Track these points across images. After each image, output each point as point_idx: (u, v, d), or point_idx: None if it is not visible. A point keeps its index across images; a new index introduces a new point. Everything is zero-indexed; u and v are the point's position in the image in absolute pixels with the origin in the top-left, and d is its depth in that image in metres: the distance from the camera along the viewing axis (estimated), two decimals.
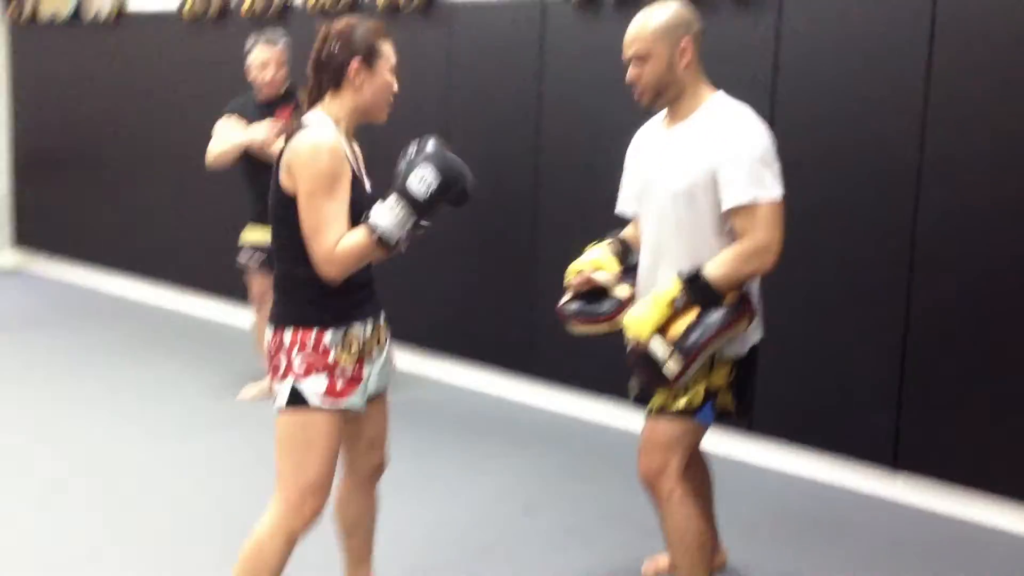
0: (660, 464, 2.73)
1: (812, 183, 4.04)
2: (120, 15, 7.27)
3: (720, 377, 2.74)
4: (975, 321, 3.76)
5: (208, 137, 4.91)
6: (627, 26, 2.82)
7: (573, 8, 4.74)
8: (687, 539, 2.72)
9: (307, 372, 2.47)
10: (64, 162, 8.06)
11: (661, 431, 2.75)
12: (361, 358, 2.55)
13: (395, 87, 2.59)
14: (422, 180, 2.39)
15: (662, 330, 2.61)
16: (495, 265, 5.23)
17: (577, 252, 3.14)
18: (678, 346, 2.59)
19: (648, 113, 2.97)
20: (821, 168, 4.05)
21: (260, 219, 4.68)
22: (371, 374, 2.59)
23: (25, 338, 6.21)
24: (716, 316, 2.61)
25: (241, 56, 5.12)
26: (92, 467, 4.11)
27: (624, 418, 4.55)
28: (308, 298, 2.49)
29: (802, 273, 4.12)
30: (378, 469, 2.82)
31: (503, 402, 5.11)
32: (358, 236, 2.40)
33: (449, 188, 2.41)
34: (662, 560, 3.21)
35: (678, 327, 2.61)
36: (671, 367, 2.59)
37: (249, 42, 4.85)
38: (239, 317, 6.59)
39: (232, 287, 6.59)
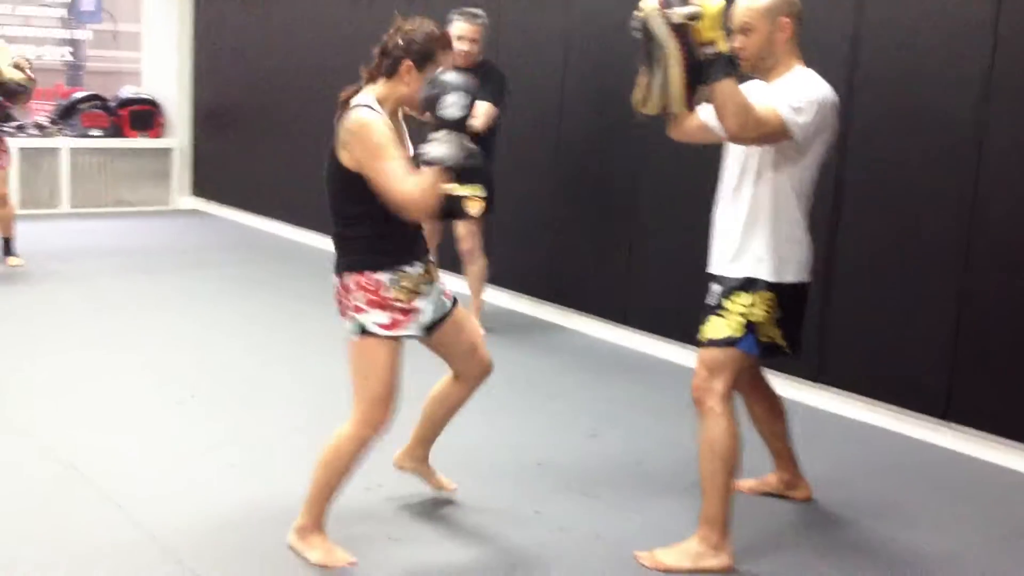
0: (706, 384, 3.10)
1: (878, 147, 4.28)
2: None
3: (759, 311, 3.06)
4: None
5: None
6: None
7: None
8: (716, 448, 3.05)
9: (369, 307, 2.95)
10: (236, 119, 8.87)
11: (708, 357, 3.12)
12: (415, 293, 2.99)
13: None
14: (453, 104, 2.79)
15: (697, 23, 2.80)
16: (595, 218, 5.63)
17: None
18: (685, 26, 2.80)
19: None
20: (889, 134, 4.28)
21: None
22: (426, 306, 3.03)
23: (193, 268, 7.03)
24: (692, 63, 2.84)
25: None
26: (236, 378, 4.76)
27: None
28: (363, 249, 2.97)
29: (865, 236, 4.38)
30: (486, 369, 3.27)
31: (591, 340, 5.53)
32: (425, 174, 2.82)
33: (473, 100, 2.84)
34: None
35: (695, 34, 2.81)
36: (678, 8, 2.80)
37: (451, 15, 5.34)
38: None
39: None
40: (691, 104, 2.95)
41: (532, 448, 3.99)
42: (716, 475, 3.07)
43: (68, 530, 3.16)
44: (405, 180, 2.83)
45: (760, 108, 2.90)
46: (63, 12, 11.07)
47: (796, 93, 2.97)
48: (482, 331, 5.58)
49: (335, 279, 3.06)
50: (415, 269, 3.02)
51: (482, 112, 5.16)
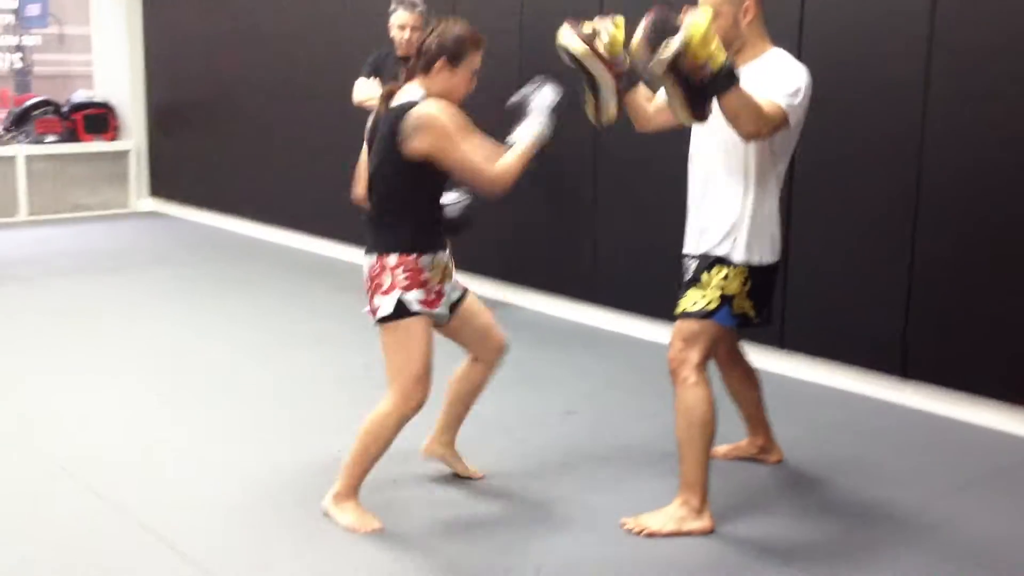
0: (682, 355, 3.23)
1: (829, 118, 4.44)
2: None
3: (735, 284, 3.20)
4: (977, 245, 4.12)
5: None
6: None
7: None
8: (692, 416, 3.19)
9: (409, 287, 3.13)
10: (192, 118, 8.87)
11: (684, 329, 3.26)
12: (443, 279, 3.24)
13: (470, 87, 3.21)
14: (550, 97, 3.23)
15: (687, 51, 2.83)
16: (557, 198, 5.75)
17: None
18: (675, 60, 2.82)
19: None
20: (838, 105, 4.44)
21: None
22: (450, 291, 3.30)
23: (156, 268, 7.06)
24: (693, 88, 2.90)
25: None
26: (209, 374, 4.83)
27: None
28: (410, 233, 3.16)
29: (818, 204, 4.54)
30: (501, 348, 3.48)
31: (560, 321, 5.67)
32: (512, 153, 3.13)
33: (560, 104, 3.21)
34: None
35: (687, 61, 2.82)
36: (662, 55, 2.80)
37: (392, 5, 5.47)
38: (350, 255, 7.29)
39: (343, 230, 7.29)
40: (703, 115, 2.96)
41: (511, 427, 4.11)
42: (693, 442, 3.21)
43: (63, 528, 3.23)
44: (485, 160, 3.09)
45: (766, 106, 2.99)
46: (10, 19, 10.97)
47: (788, 80, 3.08)
48: None
49: (372, 260, 3.20)
50: (442, 257, 3.25)
51: None
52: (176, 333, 5.47)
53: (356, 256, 7.02)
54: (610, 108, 3.27)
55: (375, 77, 5.55)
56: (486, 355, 3.48)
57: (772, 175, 3.21)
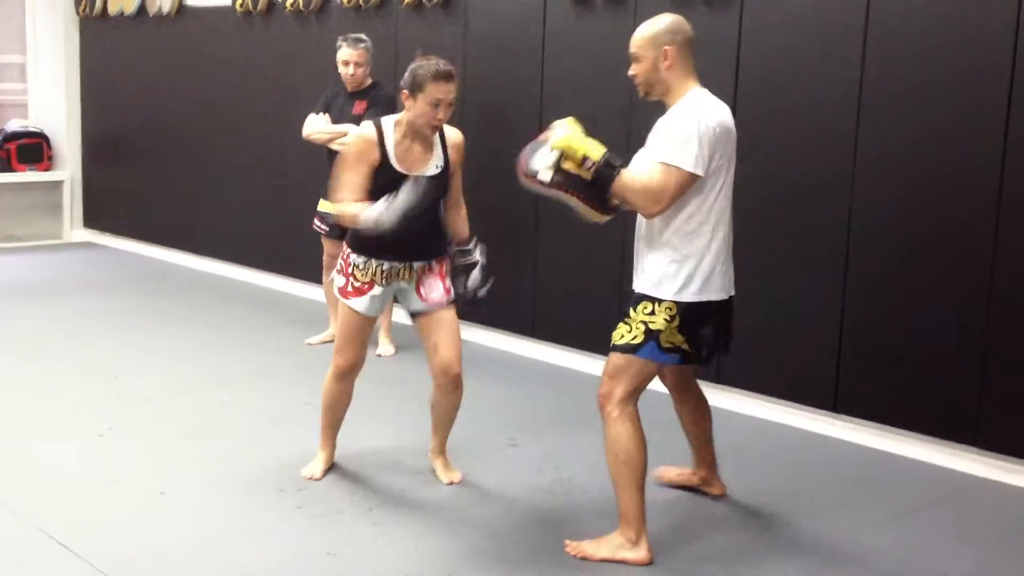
0: (607, 390, 3.30)
1: (762, 150, 4.60)
2: (180, 8, 7.98)
3: (660, 319, 3.25)
4: (906, 283, 4.28)
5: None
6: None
7: (571, 3, 5.32)
8: (618, 451, 3.26)
9: (339, 272, 3.78)
10: (127, 149, 8.81)
11: (611, 363, 3.33)
12: (372, 281, 3.68)
13: (434, 115, 3.52)
14: (392, 210, 3.46)
15: (565, 156, 3.15)
16: (502, 242, 5.83)
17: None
18: (556, 173, 3.17)
19: (640, 104, 3.54)
20: (772, 136, 4.59)
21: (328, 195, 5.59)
22: (379, 293, 3.70)
23: (92, 300, 6.98)
24: (588, 188, 3.19)
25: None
26: (145, 408, 4.80)
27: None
28: (351, 235, 3.73)
29: (753, 239, 4.68)
30: (445, 370, 3.75)
31: (504, 354, 5.73)
32: (344, 207, 3.62)
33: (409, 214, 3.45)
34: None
35: (570, 165, 3.16)
36: (543, 173, 3.17)
37: (338, 41, 5.60)
38: (286, 286, 7.29)
39: (282, 263, 7.30)
40: (611, 210, 3.29)
41: (453, 458, 4.15)
42: (621, 476, 3.27)
43: (3, 565, 3.20)
44: (343, 192, 3.67)
45: (653, 178, 3.13)
46: None
47: (676, 133, 3.16)
48: (392, 349, 5.79)
49: (432, 263, 3.73)
50: (383, 265, 3.71)
51: None
52: (112, 366, 5.41)
53: (295, 288, 7.11)
54: (593, 216, 3.32)
55: (325, 113, 5.68)
56: (434, 375, 3.80)
57: (699, 215, 3.23)
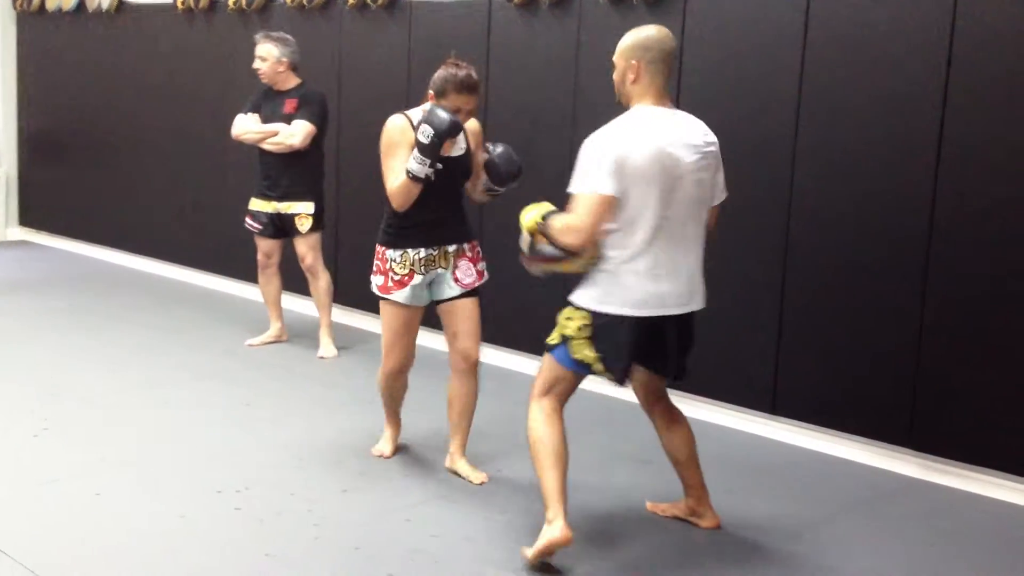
0: (532, 384, 3.43)
1: None
2: (120, 5, 7.87)
3: (573, 326, 3.29)
4: (840, 289, 4.36)
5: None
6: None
7: (515, 8, 5.33)
8: (531, 439, 3.33)
9: (376, 272, 3.91)
10: (65, 145, 8.66)
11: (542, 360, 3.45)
12: (412, 271, 3.81)
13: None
14: (423, 133, 3.59)
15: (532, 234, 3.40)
16: None
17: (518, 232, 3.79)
18: (531, 247, 3.43)
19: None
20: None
21: (264, 194, 5.72)
22: (420, 282, 3.84)
23: (27, 299, 6.85)
24: (547, 248, 3.35)
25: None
26: (85, 409, 4.72)
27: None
28: (384, 228, 3.89)
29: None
30: (465, 357, 3.91)
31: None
32: (399, 178, 3.71)
33: (442, 134, 3.59)
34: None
35: (540, 239, 3.37)
36: (528, 254, 3.46)
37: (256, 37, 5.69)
38: (225, 286, 7.22)
39: (222, 263, 7.22)
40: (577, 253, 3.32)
41: (397, 458, 4.15)
42: (536, 462, 3.32)
43: None
44: (390, 177, 3.81)
45: (573, 209, 3.21)
46: None
47: (581, 163, 3.20)
48: (334, 351, 5.77)
49: (464, 246, 3.90)
50: (419, 253, 3.86)
51: (300, 130, 5.52)
52: (48, 367, 5.32)
53: (234, 288, 7.04)
54: (576, 266, 3.34)
55: (254, 113, 5.69)
56: (453, 361, 3.96)
57: (623, 229, 3.19)
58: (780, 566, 3.38)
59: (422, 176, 3.64)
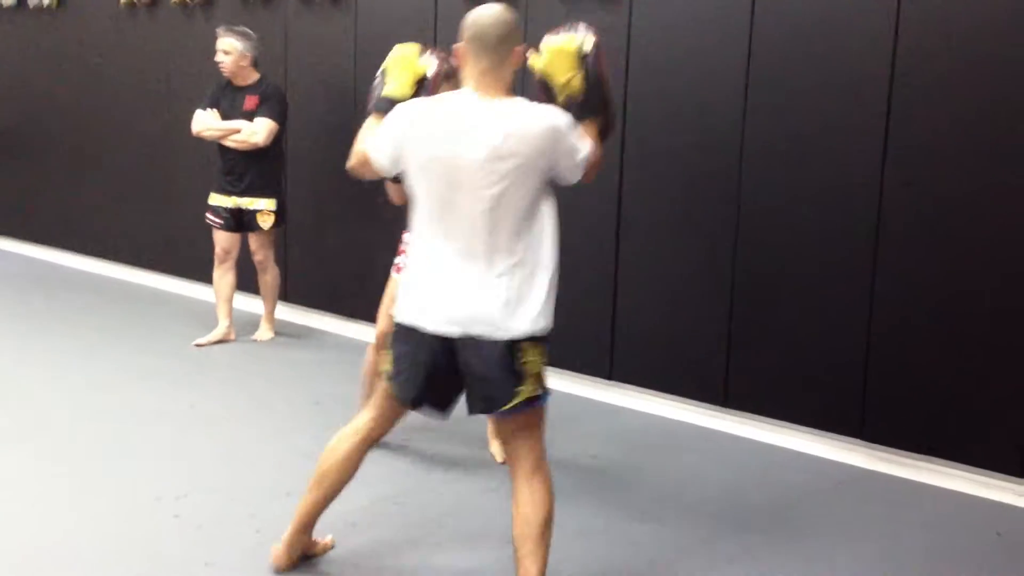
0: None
1: (659, 160, 4.61)
2: (62, 1, 7.69)
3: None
4: (788, 279, 4.33)
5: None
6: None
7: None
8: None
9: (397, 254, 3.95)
10: (17, 144, 8.46)
11: None
12: None
13: None
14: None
15: None
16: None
17: None
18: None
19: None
20: (668, 150, 4.62)
21: (225, 189, 5.72)
22: None
23: None
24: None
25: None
26: (23, 411, 4.59)
27: None
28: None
29: (648, 242, 4.70)
30: None
31: None
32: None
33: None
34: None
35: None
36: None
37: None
38: (172, 285, 7.09)
39: (169, 261, 7.09)
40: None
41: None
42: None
43: None
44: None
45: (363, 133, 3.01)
46: None
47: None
48: (270, 335, 5.77)
49: None
50: None
51: (263, 128, 5.53)
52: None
53: (182, 287, 6.91)
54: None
55: (213, 108, 5.67)
56: None
57: (414, 226, 2.89)
58: (728, 561, 3.35)
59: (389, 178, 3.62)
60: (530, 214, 2.76)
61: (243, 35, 5.62)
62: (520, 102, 2.77)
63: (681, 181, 4.62)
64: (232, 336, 5.86)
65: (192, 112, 5.72)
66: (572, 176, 2.85)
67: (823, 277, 4.25)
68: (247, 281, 5.99)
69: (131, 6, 7.09)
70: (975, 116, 3.85)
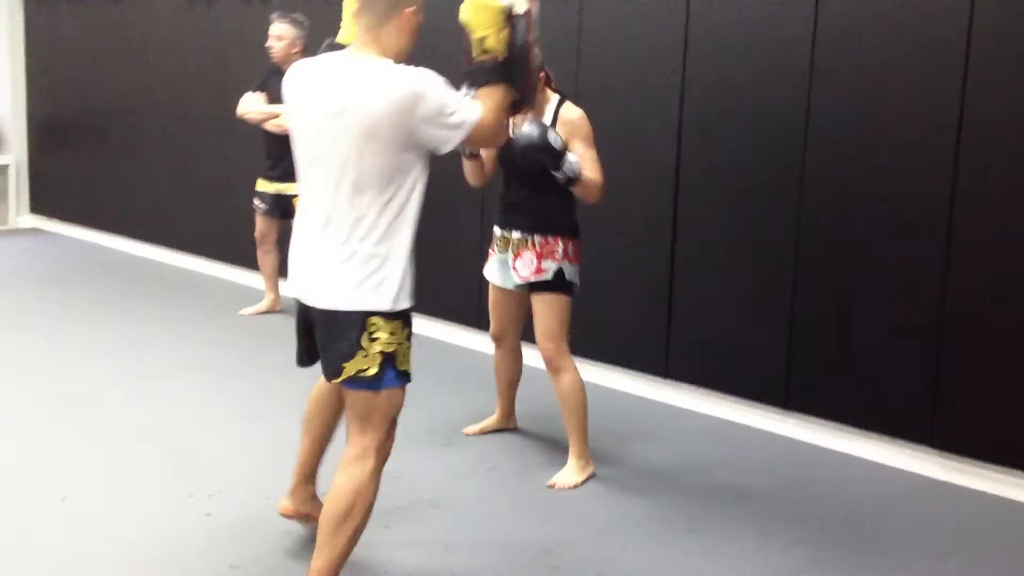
0: None
1: (721, 156, 4.40)
2: None
3: None
4: (853, 286, 4.08)
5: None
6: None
7: None
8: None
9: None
10: (73, 132, 8.53)
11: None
12: (494, 248, 3.86)
13: None
14: None
15: None
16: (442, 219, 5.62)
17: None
18: None
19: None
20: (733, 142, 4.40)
21: (267, 175, 5.81)
22: (494, 261, 3.88)
23: (28, 289, 6.73)
24: None
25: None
26: (65, 406, 4.54)
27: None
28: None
29: (706, 238, 4.49)
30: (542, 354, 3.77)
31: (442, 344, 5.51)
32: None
33: None
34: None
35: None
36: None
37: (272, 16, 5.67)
38: (227, 273, 7.06)
39: (228, 249, 7.05)
40: None
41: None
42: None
43: None
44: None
45: None
46: None
47: None
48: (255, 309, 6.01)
49: (533, 238, 3.71)
50: (499, 232, 3.87)
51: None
52: (36, 362, 5.15)
53: (241, 276, 6.85)
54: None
55: (261, 92, 5.70)
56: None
57: None
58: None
59: (464, 152, 3.65)
60: (384, 184, 2.56)
61: (295, 22, 5.58)
62: (380, 65, 2.57)
63: (741, 175, 4.39)
64: (278, 307, 6.06)
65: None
66: (444, 144, 2.61)
67: (890, 276, 3.99)
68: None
69: None
70: None
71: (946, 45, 3.77)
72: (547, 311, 3.72)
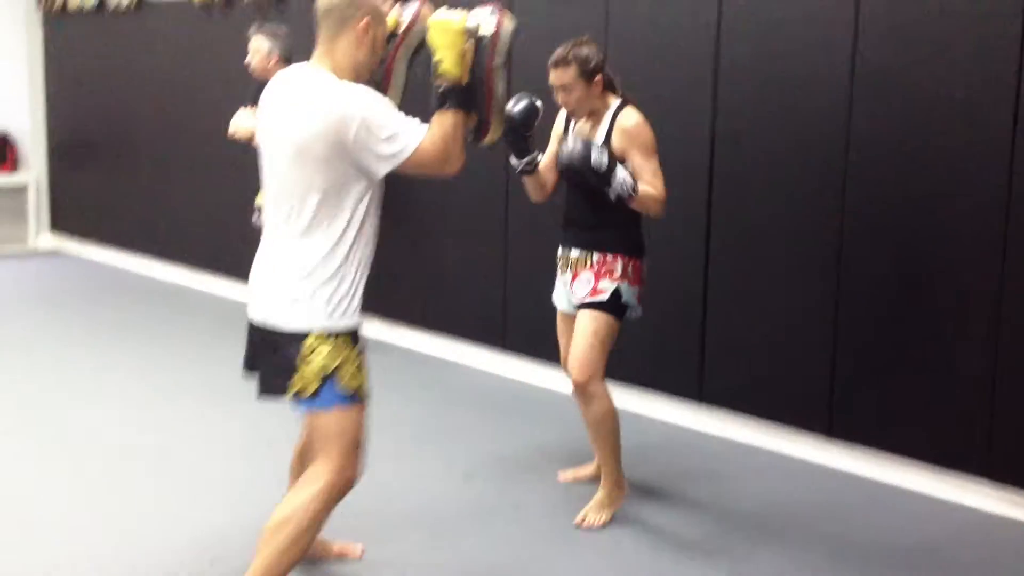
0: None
1: (753, 177, 4.17)
2: (139, 3, 7.56)
3: None
4: (901, 304, 3.82)
5: (219, 119, 5.67)
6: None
7: None
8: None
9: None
10: (92, 150, 8.40)
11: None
12: (561, 271, 3.60)
13: (560, 100, 3.49)
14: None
15: None
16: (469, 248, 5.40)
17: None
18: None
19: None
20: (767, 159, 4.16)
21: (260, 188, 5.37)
22: (558, 284, 3.64)
23: (58, 312, 6.60)
24: None
25: (247, 40, 5.51)
26: (89, 432, 4.37)
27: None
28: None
29: (741, 259, 4.24)
30: (570, 371, 3.49)
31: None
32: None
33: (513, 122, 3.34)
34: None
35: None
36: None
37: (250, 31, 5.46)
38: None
39: (240, 267, 6.86)
40: None
41: (401, 495, 3.72)
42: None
43: None
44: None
45: None
46: None
47: None
48: None
49: (592, 256, 3.48)
50: (560, 251, 3.64)
51: None
52: (57, 383, 5.00)
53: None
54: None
55: (254, 106, 5.39)
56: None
57: None
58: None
59: (517, 169, 3.51)
60: (322, 203, 2.51)
61: (271, 34, 5.38)
62: (321, 83, 2.51)
63: (778, 186, 4.14)
64: None
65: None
66: (379, 169, 2.51)
67: (942, 294, 3.73)
68: None
69: (207, 7, 6.91)
70: None
71: (999, 39, 3.52)
72: (588, 330, 3.43)
